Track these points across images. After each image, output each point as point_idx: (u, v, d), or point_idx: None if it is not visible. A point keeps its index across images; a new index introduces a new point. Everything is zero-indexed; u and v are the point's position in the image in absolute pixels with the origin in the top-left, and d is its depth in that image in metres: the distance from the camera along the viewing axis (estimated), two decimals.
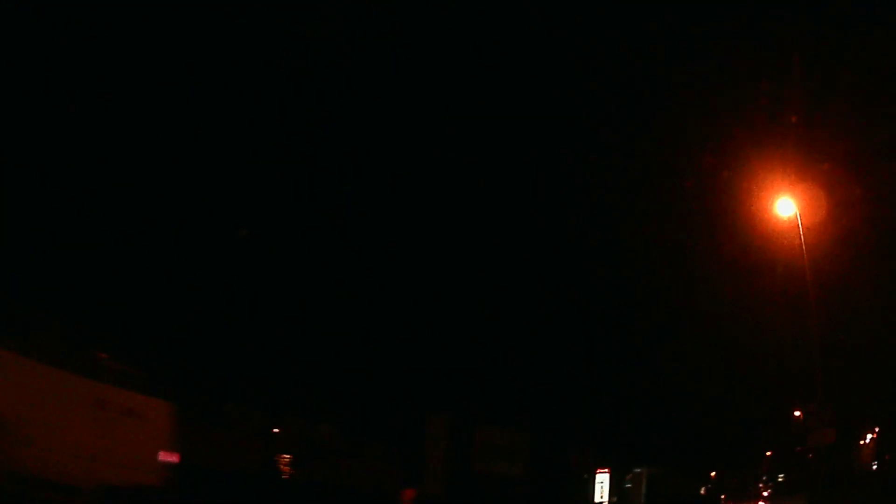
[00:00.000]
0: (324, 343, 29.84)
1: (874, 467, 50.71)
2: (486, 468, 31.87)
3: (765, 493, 61.91)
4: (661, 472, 50.74)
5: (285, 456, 26.91)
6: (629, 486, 46.70)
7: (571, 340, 39.16)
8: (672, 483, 50.97)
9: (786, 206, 18.55)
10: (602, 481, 41.58)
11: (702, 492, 66.26)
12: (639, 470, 47.09)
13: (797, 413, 43.54)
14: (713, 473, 70.74)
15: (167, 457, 11.26)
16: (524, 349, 36.07)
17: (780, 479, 63.71)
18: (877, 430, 50.88)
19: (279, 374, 26.89)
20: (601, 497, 41.28)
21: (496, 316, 35.34)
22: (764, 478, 70.29)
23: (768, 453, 68.69)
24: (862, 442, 52.60)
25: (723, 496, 64.40)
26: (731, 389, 50.99)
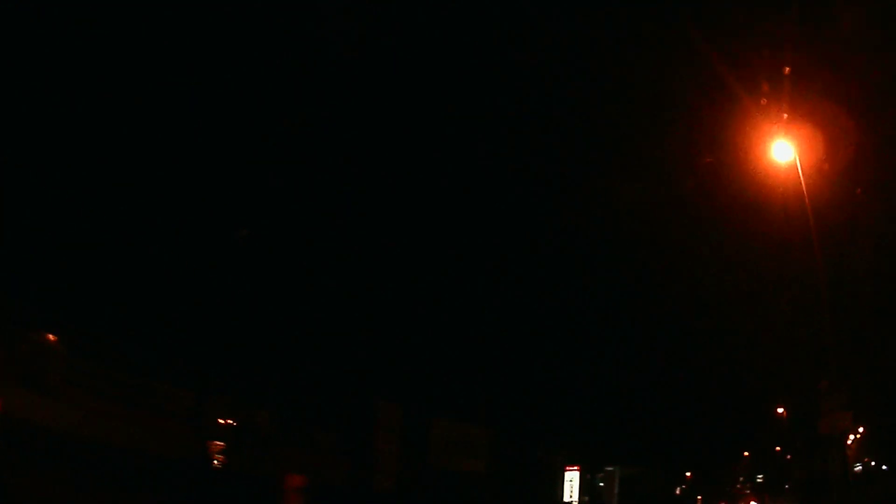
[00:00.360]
0: (267, 322, 26.89)
1: (857, 469, 47.58)
2: (443, 463, 28.96)
3: (746, 492, 61.06)
4: (634, 471, 49.44)
5: (217, 443, 23.77)
6: (601, 485, 44.17)
7: (539, 333, 36.52)
8: (646, 483, 50.35)
9: (783, 151, 15.53)
10: (571, 479, 38.79)
11: (677, 492, 65.83)
12: (611, 468, 44.66)
13: (780, 409, 41.71)
14: (688, 474, 69.47)
15: None
16: (488, 341, 33.27)
17: (759, 480, 64.12)
18: (861, 430, 48.73)
19: (215, 351, 23.88)
20: (570, 496, 38.53)
21: (459, 305, 32.47)
22: (741, 478, 70.77)
23: (746, 453, 68.40)
24: (847, 442, 51.12)
25: (699, 497, 62.82)
26: (708, 387, 48.84)
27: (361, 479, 26.48)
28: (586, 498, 43.97)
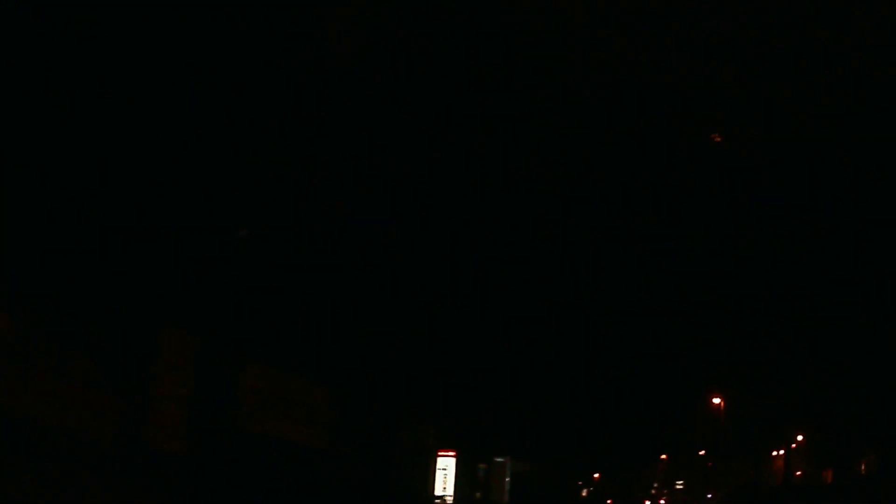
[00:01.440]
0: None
1: (797, 475, 44.41)
2: (263, 427, 20.17)
3: (661, 501, 58.79)
4: (531, 467, 44.03)
5: None
6: (489, 478, 35.71)
7: (410, 277, 28.99)
8: (544, 480, 45.32)
9: None
10: (445, 468, 30.17)
11: (583, 494, 62.41)
12: (501, 460, 36.34)
13: (716, 400, 34.65)
14: (597, 475, 65.76)
15: None
16: (337, 260, 25.25)
17: (677, 487, 61.08)
18: (799, 437, 42.95)
19: None
20: (443, 488, 30.01)
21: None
22: (656, 484, 67.71)
23: (663, 456, 64.31)
24: (774, 453, 46.30)
25: (609, 501, 59.86)
26: (622, 377, 42.46)
27: (132, 432, 18.62)
28: (478, 494, 36.05)
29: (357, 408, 25.73)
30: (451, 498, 30.21)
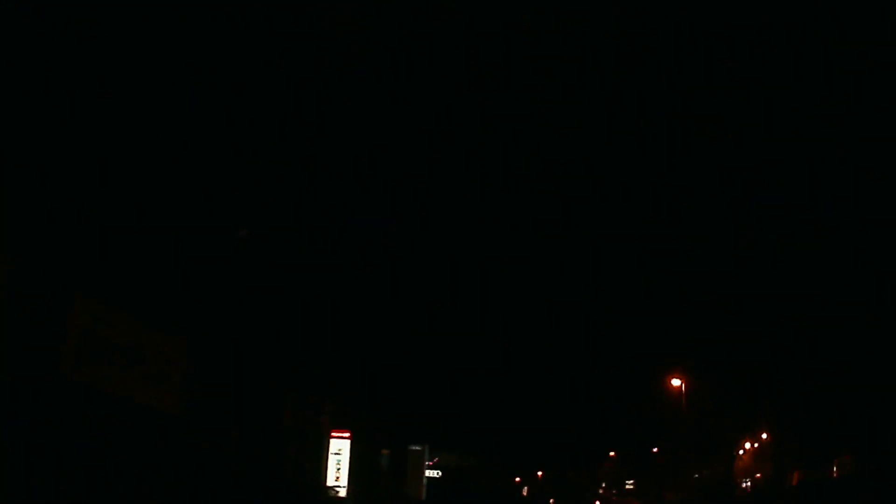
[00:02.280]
0: None
1: (745, 485, 42.48)
2: (95, 380, 14.03)
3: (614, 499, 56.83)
4: (459, 460, 39.15)
5: None
6: (399, 468, 30.10)
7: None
8: (474, 476, 40.03)
9: None
10: (339, 451, 24.43)
11: (523, 493, 56.86)
12: (417, 448, 30.77)
13: (677, 382, 29.83)
14: (540, 473, 61.68)
15: None
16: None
17: (627, 487, 58.67)
18: (764, 435, 40.64)
19: None
20: (336, 477, 24.31)
21: None
22: (604, 484, 65.37)
23: (612, 454, 61.42)
24: (739, 452, 44.15)
25: (551, 500, 56.63)
26: (568, 362, 39.44)
27: None
28: (405, 489, 30.78)
29: (225, 368, 20.02)
30: (345, 489, 24.47)
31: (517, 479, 56.36)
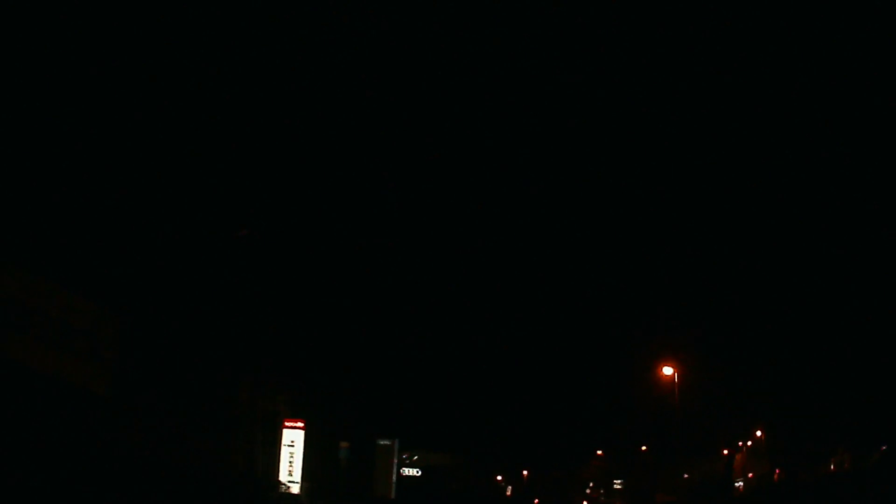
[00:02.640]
0: None
1: (738, 485, 41.81)
2: (10, 351, 13.57)
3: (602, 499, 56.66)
4: (437, 458, 37.16)
5: None
6: (362, 463, 28.03)
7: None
8: (453, 475, 38.40)
9: None
10: (292, 443, 22.36)
11: (507, 493, 56.08)
12: (386, 442, 28.79)
13: (668, 370, 28.43)
14: (525, 472, 60.59)
15: None
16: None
17: (616, 487, 57.53)
18: (759, 433, 39.53)
19: None
20: (289, 472, 22.27)
21: None
22: (591, 483, 64.32)
23: (599, 452, 60.71)
24: (726, 452, 43.58)
25: (535, 501, 55.83)
26: (555, 356, 41.73)
27: None
28: (370, 488, 29.23)
29: (165, 349, 18.07)
30: (298, 486, 22.37)
31: (499, 477, 55.49)
